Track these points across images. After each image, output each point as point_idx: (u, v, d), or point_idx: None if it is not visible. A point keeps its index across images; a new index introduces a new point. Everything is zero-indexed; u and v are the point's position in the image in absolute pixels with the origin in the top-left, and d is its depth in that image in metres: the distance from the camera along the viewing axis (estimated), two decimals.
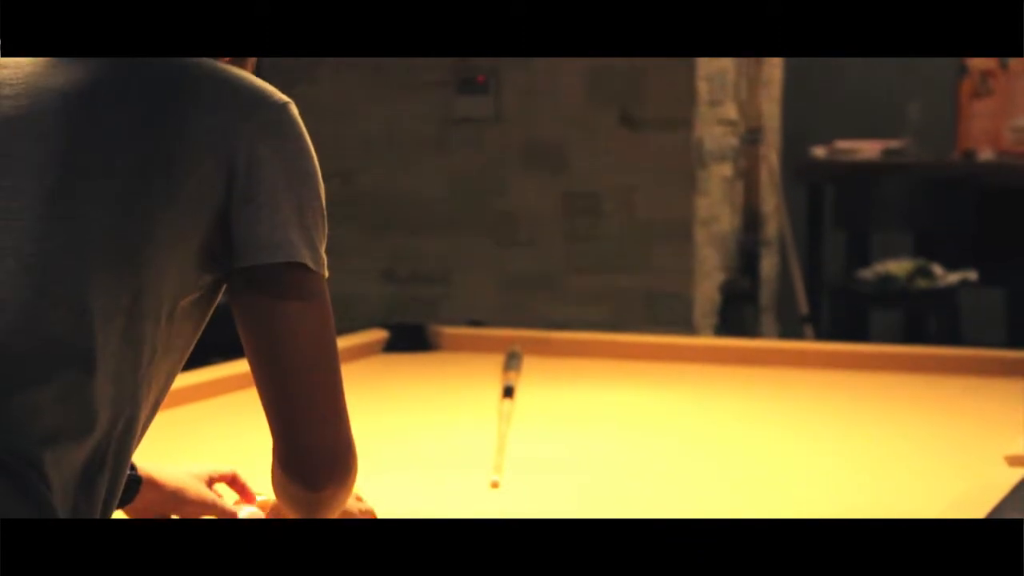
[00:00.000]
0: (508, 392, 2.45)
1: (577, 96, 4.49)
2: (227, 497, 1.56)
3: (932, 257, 5.13)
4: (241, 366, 1.32)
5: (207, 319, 1.31)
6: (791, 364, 2.86)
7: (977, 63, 5.47)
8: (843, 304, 5.36)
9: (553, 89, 4.53)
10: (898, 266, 5.11)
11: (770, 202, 4.99)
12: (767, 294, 4.96)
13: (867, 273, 5.16)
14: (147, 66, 1.25)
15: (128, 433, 1.24)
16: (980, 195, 5.27)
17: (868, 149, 5.52)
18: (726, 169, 4.77)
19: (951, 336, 4.95)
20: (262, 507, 1.54)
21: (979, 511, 1.64)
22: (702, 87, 4.53)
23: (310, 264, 1.26)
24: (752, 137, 4.84)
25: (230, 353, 1.39)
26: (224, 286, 1.29)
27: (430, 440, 2.30)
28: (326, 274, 1.30)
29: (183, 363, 1.32)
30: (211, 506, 1.52)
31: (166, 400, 1.32)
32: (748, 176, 4.89)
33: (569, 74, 4.49)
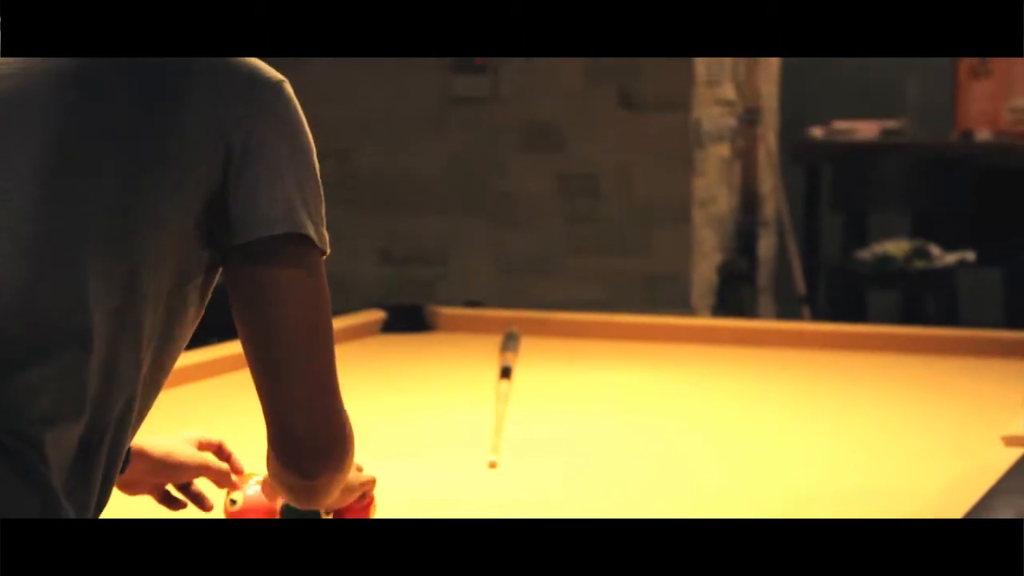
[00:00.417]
0: (506, 373, 2.45)
1: (576, 77, 4.48)
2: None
3: (930, 238, 5.13)
4: (239, 346, 1.31)
5: (206, 301, 1.30)
6: (788, 345, 2.86)
7: None
8: (840, 285, 5.36)
9: (551, 70, 4.52)
10: (896, 247, 5.10)
11: (768, 183, 4.98)
12: (765, 275, 4.96)
13: (865, 254, 5.16)
14: None
15: (127, 413, 1.24)
16: (978, 176, 5.27)
17: (866, 129, 5.51)
18: (724, 150, 4.76)
19: (949, 317, 4.96)
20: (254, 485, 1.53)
21: (976, 491, 1.64)
22: (700, 68, 4.52)
23: (312, 236, 1.25)
24: (750, 118, 4.84)
25: (228, 334, 1.38)
26: (220, 269, 1.28)
27: (428, 420, 2.30)
28: (327, 251, 1.29)
29: (184, 345, 1.31)
30: (202, 467, 1.51)
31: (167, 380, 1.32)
32: (746, 157, 4.89)
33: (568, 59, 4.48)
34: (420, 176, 4.68)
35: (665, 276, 4.51)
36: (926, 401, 2.46)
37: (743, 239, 4.83)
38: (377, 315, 2.94)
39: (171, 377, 1.33)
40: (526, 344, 2.67)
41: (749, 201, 4.87)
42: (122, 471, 1.45)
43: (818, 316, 4.92)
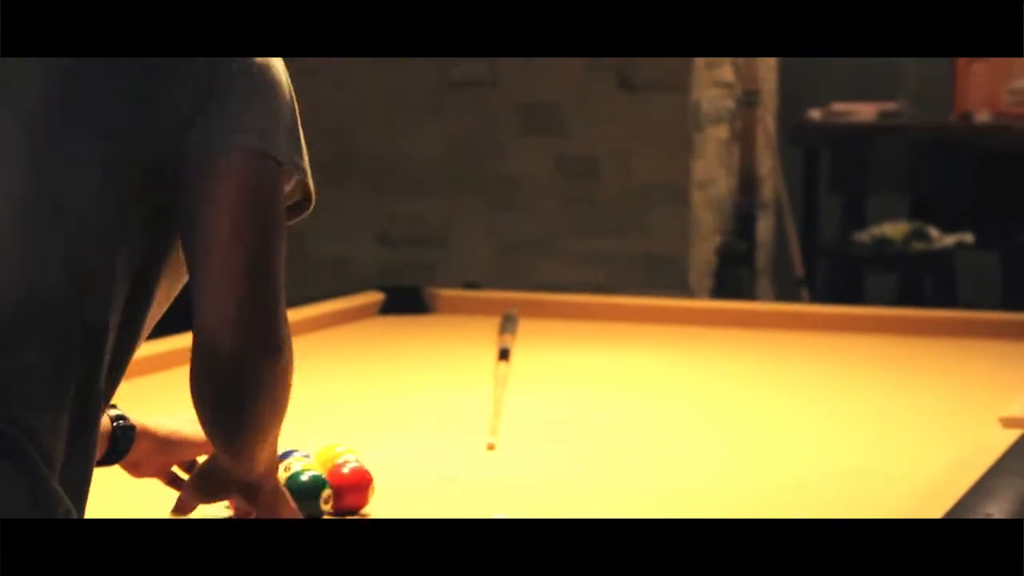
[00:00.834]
0: (504, 355, 2.45)
1: (574, 59, 4.47)
2: None
3: (928, 220, 5.13)
4: None
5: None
6: (787, 327, 2.86)
7: None
8: (839, 267, 5.36)
9: None
10: (894, 229, 5.10)
11: (766, 165, 4.98)
12: (763, 257, 4.96)
13: (863, 236, 5.16)
14: None
15: (113, 380, 1.24)
16: (977, 157, 5.26)
17: (864, 111, 5.50)
18: (722, 132, 4.76)
19: (947, 299, 4.96)
20: None
21: (974, 473, 1.64)
22: None
23: (274, 153, 1.24)
24: (748, 99, 4.83)
25: None
26: None
27: (426, 402, 2.30)
28: (307, 180, 1.27)
29: (164, 309, 1.31)
30: (207, 444, 1.51)
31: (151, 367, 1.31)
32: (744, 139, 4.88)
33: None
34: (419, 158, 4.68)
35: (664, 258, 4.51)
36: (924, 383, 2.46)
37: (742, 221, 4.83)
38: (375, 297, 2.94)
39: (165, 362, 1.33)
40: (524, 326, 2.67)
41: (748, 183, 4.86)
42: (127, 451, 1.45)
43: (816, 298, 4.92)
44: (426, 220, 4.70)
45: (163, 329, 1.42)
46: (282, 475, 1.50)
